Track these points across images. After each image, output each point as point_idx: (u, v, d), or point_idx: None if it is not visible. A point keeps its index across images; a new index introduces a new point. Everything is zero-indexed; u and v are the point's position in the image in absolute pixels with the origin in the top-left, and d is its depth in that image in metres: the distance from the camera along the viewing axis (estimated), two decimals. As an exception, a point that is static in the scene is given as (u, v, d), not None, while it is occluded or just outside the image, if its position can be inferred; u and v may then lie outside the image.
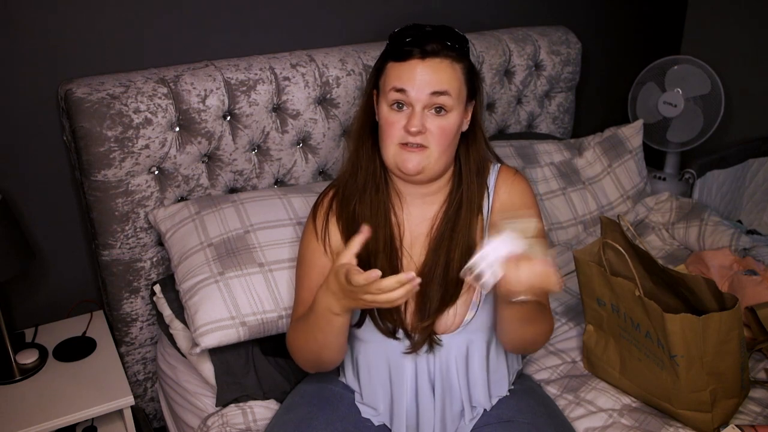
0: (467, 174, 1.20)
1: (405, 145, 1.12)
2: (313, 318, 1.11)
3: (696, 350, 1.21)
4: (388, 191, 1.22)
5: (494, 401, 1.28)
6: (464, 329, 1.20)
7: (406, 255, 1.22)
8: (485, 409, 1.26)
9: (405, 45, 1.11)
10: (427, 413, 1.23)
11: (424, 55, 1.09)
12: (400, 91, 1.10)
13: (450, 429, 1.25)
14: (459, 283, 1.17)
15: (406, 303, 1.19)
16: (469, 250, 1.17)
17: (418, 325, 1.18)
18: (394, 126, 1.12)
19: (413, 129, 1.10)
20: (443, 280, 1.17)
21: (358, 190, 1.21)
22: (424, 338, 1.18)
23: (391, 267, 1.19)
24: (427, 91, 1.09)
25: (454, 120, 1.13)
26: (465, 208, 1.19)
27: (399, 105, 1.12)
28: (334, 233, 1.23)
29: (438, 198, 1.22)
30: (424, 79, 1.09)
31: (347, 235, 1.21)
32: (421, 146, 1.12)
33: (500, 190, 1.23)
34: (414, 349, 1.19)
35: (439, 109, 1.11)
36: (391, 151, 1.14)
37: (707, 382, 1.24)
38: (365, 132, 1.21)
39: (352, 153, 1.23)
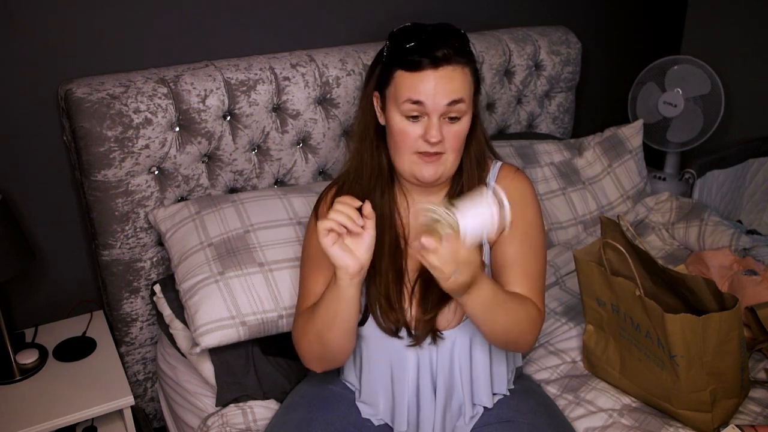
0: (468, 165, 1.21)
1: (422, 154, 1.13)
2: (326, 293, 1.12)
3: (696, 350, 1.21)
4: (393, 192, 1.22)
5: (495, 399, 1.28)
6: (465, 324, 1.20)
7: (411, 254, 1.22)
8: (485, 408, 1.26)
9: (413, 53, 1.09)
10: (428, 411, 1.23)
11: (436, 63, 1.08)
12: (417, 103, 1.10)
13: (449, 427, 1.25)
14: None
15: (408, 299, 1.20)
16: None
17: (420, 320, 1.18)
18: (410, 136, 1.12)
19: (433, 140, 1.10)
20: None
21: (362, 192, 1.20)
22: (426, 332, 1.18)
23: (396, 268, 1.19)
24: (444, 102, 1.09)
25: (466, 123, 1.14)
26: None
27: (415, 116, 1.11)
28: None
29: (440, 191, 1.23)
30: (440, 89, 1.09)
31: None
32: (438, 154, 1.13)
33: (500, 186, 1.23)
34: (417, 341, 1.19)
35: (454, 117, 1.11)
36: (407, 161, 1.14)
37: (707, 382, 1.24)
38: (368, 134, 1.20)
39: (354, 155, 1.23)
